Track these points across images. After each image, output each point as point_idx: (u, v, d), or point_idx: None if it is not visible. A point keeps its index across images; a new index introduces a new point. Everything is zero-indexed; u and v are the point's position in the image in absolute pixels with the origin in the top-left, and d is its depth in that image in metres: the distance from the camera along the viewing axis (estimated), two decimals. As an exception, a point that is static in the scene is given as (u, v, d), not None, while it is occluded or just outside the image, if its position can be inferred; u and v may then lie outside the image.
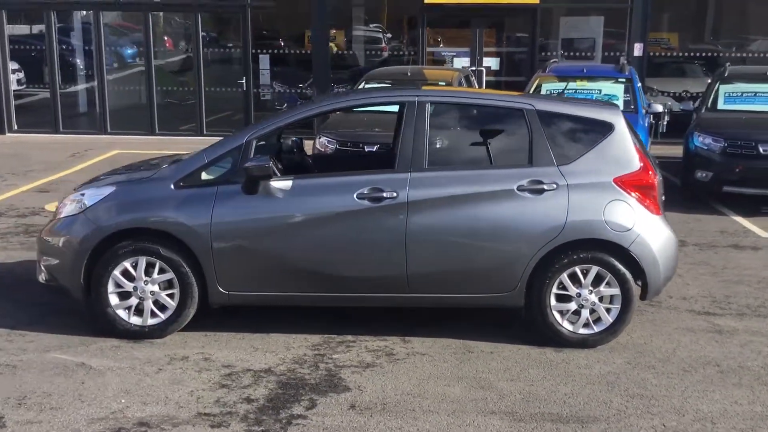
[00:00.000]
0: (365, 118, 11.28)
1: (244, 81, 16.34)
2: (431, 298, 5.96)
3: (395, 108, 11.34)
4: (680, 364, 5.66)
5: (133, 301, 5.92)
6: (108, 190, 6.01)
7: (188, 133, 16.78)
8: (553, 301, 5.85)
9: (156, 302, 5.92)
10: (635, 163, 5.91)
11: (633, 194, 5.83)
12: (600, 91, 11.52)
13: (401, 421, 4.75)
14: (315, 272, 5.85)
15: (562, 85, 11.75)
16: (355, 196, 5.79)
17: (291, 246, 5.82)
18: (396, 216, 5.78)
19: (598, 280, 5.82)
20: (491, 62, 16.02)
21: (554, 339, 5.91)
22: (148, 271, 5.88)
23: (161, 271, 5.87)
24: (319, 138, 10.91)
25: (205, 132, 16.65)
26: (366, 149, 10.18)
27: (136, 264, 5.87)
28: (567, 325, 5.88)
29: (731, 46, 17.37)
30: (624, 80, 11.73)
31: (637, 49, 15.91)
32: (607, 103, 6.73)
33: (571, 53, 16.79)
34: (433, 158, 5.91)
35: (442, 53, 16.40)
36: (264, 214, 5.82)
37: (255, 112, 16.62)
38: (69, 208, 6.10)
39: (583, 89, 11.63)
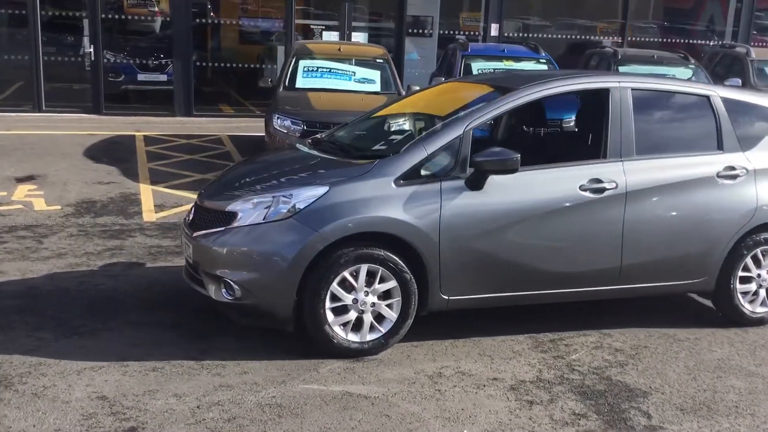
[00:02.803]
0: (321, 98, 10.65)
1: (92, 50, 14.48)
2: (635, 289, 5.87)
3: (359, 87, 10.90)
4: None
5: (352, 315, 5.15)
6: (320, 189, 5.11)
7: (22, 109, 14.54)
8: (738, 284, 6.05)
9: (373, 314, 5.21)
10: (797, 149, 6.28)
11: (798, 179, 6.20)
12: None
13: (739, 419, 4.68)
14: (536, 270, 5.50)
15: (491, 64, 11.92)
16: (578, 188, 5.52)
17: (517, 243, 5.41)
18: (615, 207, 5.61)
19: (769, 261, 6.14)
20: (360, 37, 15.74)
21: (735, 319, 6.13)
22: (368, 281, 5.15)
23: (382, 279, 5.17)
24: (277, 119, 10.11)
25: (44, 107, 14.54)
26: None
27: (356, 273, 5.11)
28: (747, 306, 6.12)
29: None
30: (545, 61, 12.18)
31: (494, 29, 16.53)
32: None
33: (414, 30, 17.05)
34: (638, 145, 5.80)
35: (311, 26, 15.81)
36: (491, 210, 5.33)
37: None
38: (257, 213, 5.10)
39: (511, 69, 11.87)
